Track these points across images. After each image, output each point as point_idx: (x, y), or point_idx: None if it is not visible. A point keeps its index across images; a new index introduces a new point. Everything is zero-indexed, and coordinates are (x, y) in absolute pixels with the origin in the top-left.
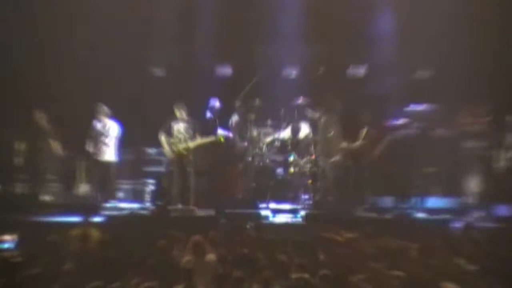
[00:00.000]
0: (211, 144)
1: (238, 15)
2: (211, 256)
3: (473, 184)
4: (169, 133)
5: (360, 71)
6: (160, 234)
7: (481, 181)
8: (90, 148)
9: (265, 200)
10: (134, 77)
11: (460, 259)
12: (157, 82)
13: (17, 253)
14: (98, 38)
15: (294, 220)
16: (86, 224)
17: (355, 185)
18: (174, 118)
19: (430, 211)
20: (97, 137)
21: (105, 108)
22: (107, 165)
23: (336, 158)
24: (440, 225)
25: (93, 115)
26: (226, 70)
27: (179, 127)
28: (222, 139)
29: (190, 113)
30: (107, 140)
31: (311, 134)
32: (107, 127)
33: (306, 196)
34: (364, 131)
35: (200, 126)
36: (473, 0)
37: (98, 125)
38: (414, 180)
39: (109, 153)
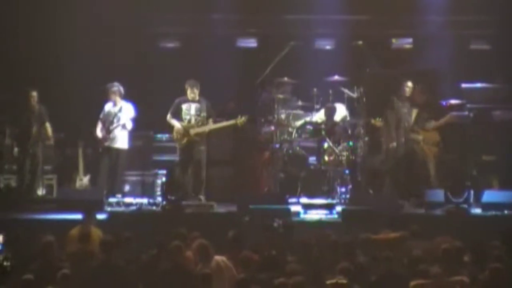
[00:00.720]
0: (230, 128)
1: None
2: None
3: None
4: (178, 114)
5: (407, 42)
6: (172, 234)
7: None
8: (99, 133)
9: (295, 194)
10: (142, 50)
11: None
12: (168, 57)
13: (5, 256)
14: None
15: (329, 217)
16: (87, 222)
17: (404, 175)
18: (184, 97)
19: (488, 206)
20: (109, 121)
21: (119, 88)
22: (118, 152)
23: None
24: (500, 222)
25: (96, 96)
26: (249, 42)
27: (189, 108)
28: (243, 122)
29: (204, 92)
30: (121, 124)
31: (349, 117)
32: (121, 109)
33: (343, 189)
34: (415, 111)
35: (216, 107)
36: None
37: (111, 107)
38: (469, 170)
39: (122, 139)
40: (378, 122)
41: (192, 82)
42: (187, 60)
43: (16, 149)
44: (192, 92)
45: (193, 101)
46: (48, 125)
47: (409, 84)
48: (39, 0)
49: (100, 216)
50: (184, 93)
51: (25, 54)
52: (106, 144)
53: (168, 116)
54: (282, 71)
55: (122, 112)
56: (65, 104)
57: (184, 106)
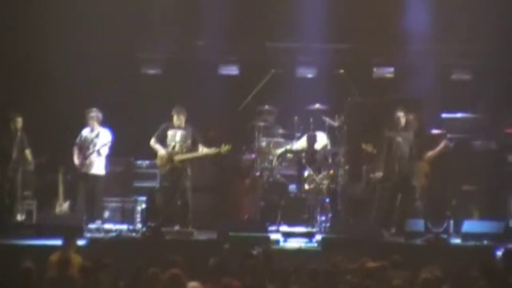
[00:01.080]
0: (213, 156)
1: (247, 5)
2: None
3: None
4: (162, 140)
5: (388, 71)
6: (152, 260)
7: None
8: (76, 159)
9: (275, 221)
10: (124, 76)
11: None
12: (151, 82)
13: None
14: (85, 29)
15: (309, 245)
16: (67, 248)
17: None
18: (170, 123)
19: (467, 236)
20: (86, 146)
21: (97, 113)
22: (94, 179)
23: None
24: (479, 253)
25: (77, 121)
26: (231, 69)
27: (175, 135)
28: (227, 151)
29: (189, 119)
30: (96, 150)
31: (329, 146)
32: (98, 135)
33: (323, 218)
34: (410, 141)
35: (201, 134)
36: None
37: (88, 133)
38: (449, 200)
39: (98, 166)
40: (369, 147)
41: (179, 108)
42: (169, 87)
43: None
44: (178, 119)
45: (179, 127)
46: (28, 151)
47: (401, 113)
48: (21, 26)
49: (80, 242)
50: (170, 119)
51: (7, 78)
52: (83, 170)
53: (152, 141)
54: (264, 99)
55: (99, 138)
56: (46, 129)
57: (170, 132)
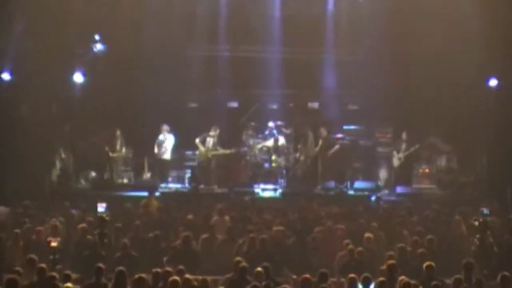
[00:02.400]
0: (227, 153)
1: (241, 72)
2: (226, 217)
3: (382, 174)
4: (203, 142)
5: (315, 104)
6: (194, 203)
7: (386, 172)
8: (156, 151)
9: (257, 182)
10: (180, 108)
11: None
12: (192, 112)
13: (107, 213)
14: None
15: (274, 195)
16: (150, 197)
17: (313, 174)
18: (207, 134)
19: (357, 189)
20: (160, 144)
21: (166, 126)
22: (165, 161)
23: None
24: (363, 198)
25: (155, 131)
26: (234, 104)
27: (209, 140)
28: (231, 151)
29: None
30: (166, 146)
31: (285, 143)
32: (167, 138)
33: (282, 180)
34: (320, 141)
35: (220, 141)
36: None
37: (161, 137)
38: (347, 170)
39: (167, 154)
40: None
41: (214, 127)
42: (201, 115)
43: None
44: (213, 131)
45: (212, 137)
46: (124, 147)
47: (323, 128)
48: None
49: (157, 194)
50: (207, 131)
51: (116, 104)
52: (158, 157)
53: (197, 141)
54: (251, 119)
55: (167, 140)
56: (137, 135)
57: (208, 139)
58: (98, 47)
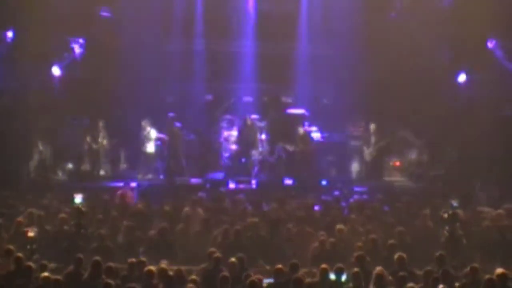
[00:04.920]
0: None
1: (217, 67)
2: (199, 209)
3: (354, 167)
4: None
5: (289, 100)
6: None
7: (358, 165)
8: (140, 143)
9: (233, 174)
10: (157, 102)
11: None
12: (169, 105)
13: (83, 204)
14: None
15: (249, 186)
16: (125, 188)
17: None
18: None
19: (330, 181)
20: (144, 139)
21: (146, 121)
22: (149, 154)
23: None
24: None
25: (135, 123)
26: (209, 97)
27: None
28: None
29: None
30: (149, 140)
31: (259, 136)
32: (149, 132)
33: (257, 172)
34: (299, 135)
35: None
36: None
37: (145, 132)
38: (322, 164)
39: (150, 147)
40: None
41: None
42: (178, 108)
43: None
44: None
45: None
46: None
47: (299, 127)
48: None
49: (133, 185)
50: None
51: (94, 97)
52: (143, 150)
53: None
54: (227, 112)
55: (149, 134)
56: (115, 126)
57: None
58: (77, 47)
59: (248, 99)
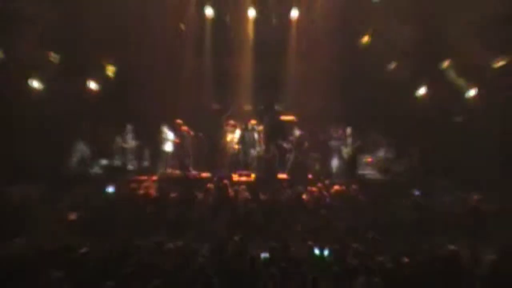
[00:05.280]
0: None
1: (223, 81)
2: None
3: (334, 163)
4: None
5: (281, 108)
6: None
7: (338, 162)
8: (159, 144)
9: (236, 169)
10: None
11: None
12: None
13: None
14: None
15: (249, 179)
16: (149, 180)
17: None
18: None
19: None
20: (164, 139)
21: (166, 126)
22: (167, 152)
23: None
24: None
25: (156, 127)
26: (216, 106)
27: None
28: None
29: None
30: (167, 141)
31: (257, 138)
32: (167, 134)
33: (254, 166)
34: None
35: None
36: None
37: (163, 135)
38: (308, 161)
39: (168, 146)
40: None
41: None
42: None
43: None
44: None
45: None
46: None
47: (296, 129)
48: None
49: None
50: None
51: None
52: (162, 149)
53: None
54: (230, 118)
55: (167, 136)
56: (140, 129)
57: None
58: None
59: (248, 107)
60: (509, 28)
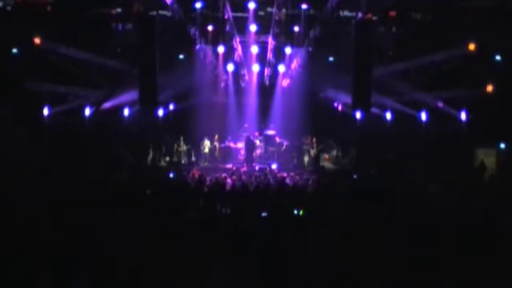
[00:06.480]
0: None
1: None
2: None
3: (305, 159)
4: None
5: (271, 127)
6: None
7: (307, 158)
8: (201, 148)
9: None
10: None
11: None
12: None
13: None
14: None
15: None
16: (193, 169)
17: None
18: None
19: (294, 167)
20: (204, 145)
21: (207, 138)
22: (205, 153)
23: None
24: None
25: (201, 138)
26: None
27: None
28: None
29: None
30: (205, 145)
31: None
32: (205, 141)
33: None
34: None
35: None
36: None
37: (203, 141)
38: (289, 158)
39: (206, 149)
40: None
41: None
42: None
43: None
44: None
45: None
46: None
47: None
48: None
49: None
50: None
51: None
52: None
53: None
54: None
55: (205, 143)
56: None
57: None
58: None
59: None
60: None
